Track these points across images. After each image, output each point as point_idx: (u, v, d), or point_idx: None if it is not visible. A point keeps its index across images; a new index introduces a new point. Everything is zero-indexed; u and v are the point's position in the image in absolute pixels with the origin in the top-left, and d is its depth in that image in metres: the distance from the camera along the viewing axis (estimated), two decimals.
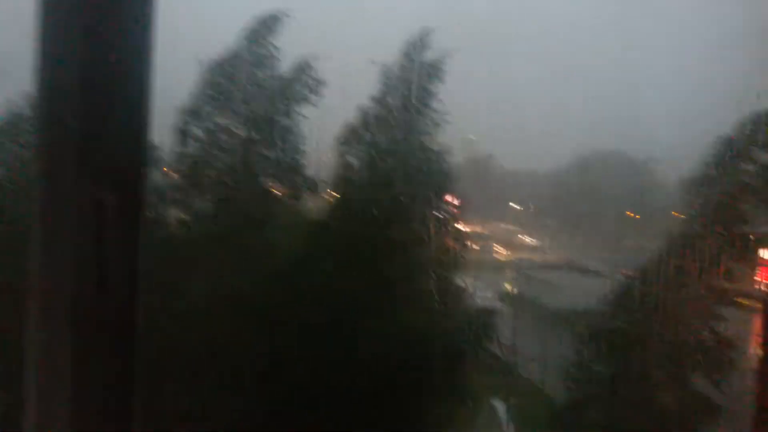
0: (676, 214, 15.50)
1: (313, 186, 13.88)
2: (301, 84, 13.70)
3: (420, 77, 13.64)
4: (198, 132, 13.51)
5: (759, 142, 12.93)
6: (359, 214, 13.24)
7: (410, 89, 13.60)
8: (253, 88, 13.63)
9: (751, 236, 13.45)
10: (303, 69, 13.73)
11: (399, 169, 13.46)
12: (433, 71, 13.76)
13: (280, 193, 13.99)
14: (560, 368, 14.17)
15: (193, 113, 13.42)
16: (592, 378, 13.58)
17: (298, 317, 11.97)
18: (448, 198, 14.44)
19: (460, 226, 15.03)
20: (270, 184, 13.91)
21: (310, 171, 14.04)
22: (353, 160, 14.09)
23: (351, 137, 13.86)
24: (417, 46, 13.79)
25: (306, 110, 13.79)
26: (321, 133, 14.35)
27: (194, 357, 11.56)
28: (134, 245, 1.80)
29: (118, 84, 1.76)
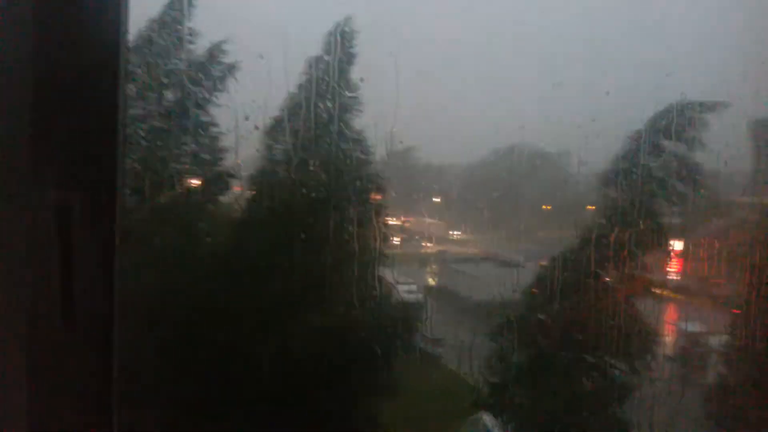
0: (590, 207, 15.99)
1: (230, 180, 13.34)
2: (215, 70, 13.11)
3: (340, 68, 13.34)
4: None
5: (668, 134, 13.44)
6: (279, 209, 12.85)
7: (331, 80, 13.27)
8: (166, 76, 12.95)
9: (661, 228, 13.99)
10: (215, 54, 13.13)
11: (321, 161, 13.12)
12: (352, 61, 13.50)
13: (196, 188, 13.38)
14: (482, 359, 14.39)
15: None
16: (510, 366, 13.85)
17: (215, 317, 11.54)
18: (371, 191, 14.27)
19: (382, 220, 14.92)
20: (185, 178, 13.27)
21: (228, 164, 13.49)
22: (273, 153, 13.65)
23: (270, 128, 13.41)
24: (338, 34, 13.48)
25: (222, 98, 13.23)
26: (239, 123, 13.79)
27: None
28: (107, 255, 1.46)
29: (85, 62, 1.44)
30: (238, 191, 13.82)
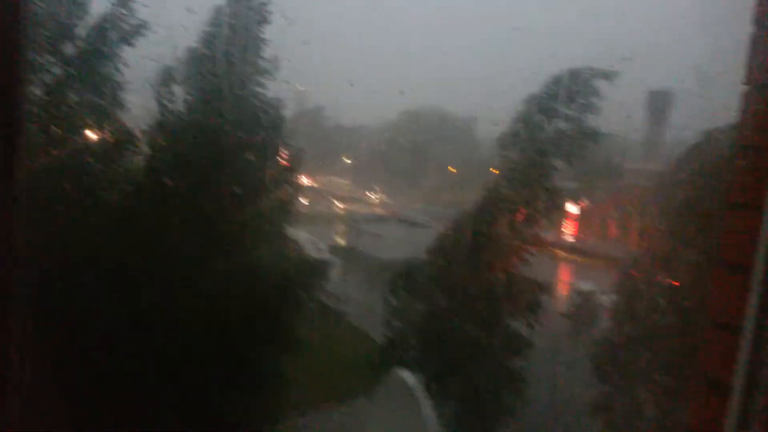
0: (493, 170, 16.44)
1: (133, 135, 12.65)
2: (118, 23, 12.29)
3: (248, 21, 12.84)
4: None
5: (562, 99, 13.92)
6: (183, 165, 12.38)
7: (238, 34, 12.76)
8: (68, 28, 12.00)
9: (556, 190, 14.52)
10: (120, 7, 12.32)
11: (226, 116, 12.68)
12: (261, 15, 13.03)
13: (98, 142, 12.63)
14: (385, 315, 14.69)
15: None
16: (409, 321, 14.22)
17: (123, 273, 11.14)
18: (280, 149, 14.01)
19: (291, 178, 14.72)
20: (86, 132, 12.49)
21: (131, 118, 12.77)
22: (177, 107, 13.04)
23: (171, 80, 12.79)
24: None
25: (126, 52, 12.45)
26: (144, 77, 13.06)
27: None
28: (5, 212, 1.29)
29: None
30: (145, 145, 13.20)
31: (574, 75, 13.85)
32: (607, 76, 13.71)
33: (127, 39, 12.34)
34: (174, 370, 11.30)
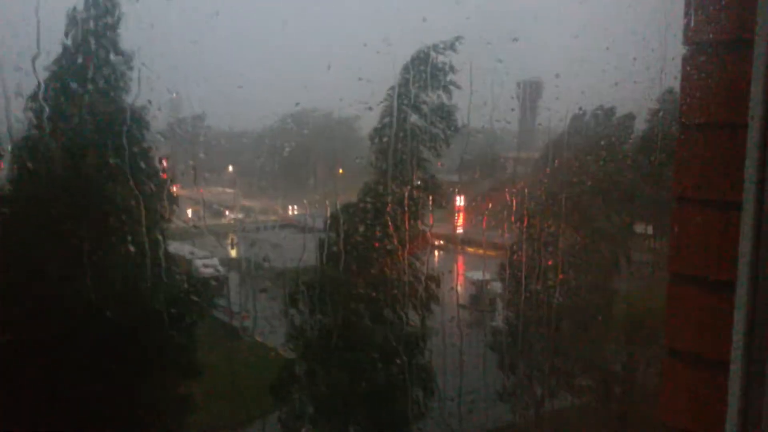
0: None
1: None
2: None
3: (103, 18, 11.88)
4: None
5: (416, 84, 13.92)
6: (47, 182, 11.32)
7: (97, 39, 11.78)
8: None
9: (430, 182, 14.49)
10: None
11: (90, 129, 11.67)
12: (115, 19, 12.10)
13: None
14: (284, 328, 14.26)
15: None
16: (307, 329, 13.85)
17: None
18: (155, 161, 13.16)
19: (171, 191, 13.91)
20: None
21: None
22: (39, 121, 11.90)
23: (38, 95, 11.63)
24: None
25: None
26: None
27: None
28: None
29: None
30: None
31: (422, 57, 13.82)
32: (452, 45, 13.75)
33: None
34: (66, 402, 10.40)
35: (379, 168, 14.30)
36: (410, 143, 14.11)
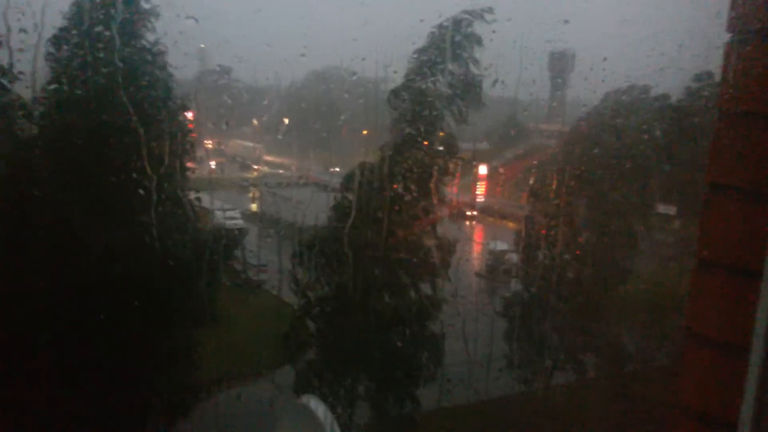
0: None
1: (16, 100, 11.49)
2: None
3: None
4: None
5: (446, 51, 13.64)
6: (73, 132, 11.41)
7: None
8: None
9: (451, 145, 14.28)
10: None
11: (116, 76, 11.63)
12: None
13: None
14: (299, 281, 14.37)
15: None
16: (319, 287, 13.93)
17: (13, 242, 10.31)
18: (183, 112, 13.18)
19: (197, 143, 13.98)
20: None
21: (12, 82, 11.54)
22: (62, 66, 11.90)
23: (58, 39, 11.63)
24: None
25: None
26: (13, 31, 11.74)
27: None
28: None
29: None
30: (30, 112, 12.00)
31: (455, 23, 13.53)
32: (482, 15, 13.45)
33: None
34: (84, 349, 10.68)
35: (398, 130, 14.13)
36: (428, 107, 13.89)
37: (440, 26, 13.53)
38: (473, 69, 13.77)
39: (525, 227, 16.87)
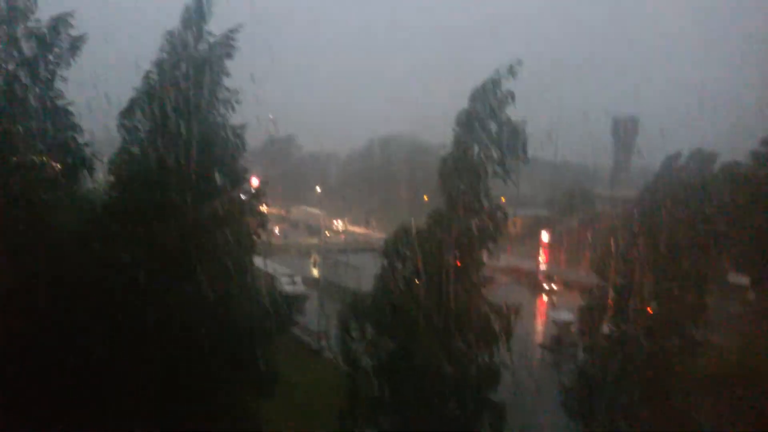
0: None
1: (89, 163, 12.08)
2: (59, 43, 11.71)
3: (208, 50, 12.34)
4: None
5: (490, 111, 13.53)
6: (144, 196, 11.89)
7: (196, 61, 12.23)
8: (6, 46, 11.43)
9: (499, 210, 14.03)
10: (61, 26, 11.76)
11: (189, 146, 12.14)
12: (222, 46, 12.54)
13: (53, 171, 12.07)
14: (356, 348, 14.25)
15: None
16: (378, 353, 13.71)
17: (77, 310, 10.68)
18: (248, 178, 13.59)
19: (261, 208, 14.32)
20: (39, 160, 11.91)
21: (85, 145, 12.21)
22: (136, 135, 12.51)
23: (133, 110, 12.28)
24: (198, 13, 12.40)
25: (69, 73, 11.90)
26: (94, 101, 12.50)
27: None
28: None
29: None
30: (103, 175, 12.65)
31: (494, 83, 13.45)
32: (511, 69, 13.35)
33: (65, 55, 11.83)
34: (149, 409, 10.84)
35: (448, 195, 14.09)
36: (476, 172, 13.82)
37: (482, 87, 13.62)
38: (518, 128, 13.72)
39: (591, 297, 16.36)
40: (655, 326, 14.78)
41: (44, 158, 11.94)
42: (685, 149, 17.43)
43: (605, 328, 15.31)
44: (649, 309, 15.24)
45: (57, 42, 11.77)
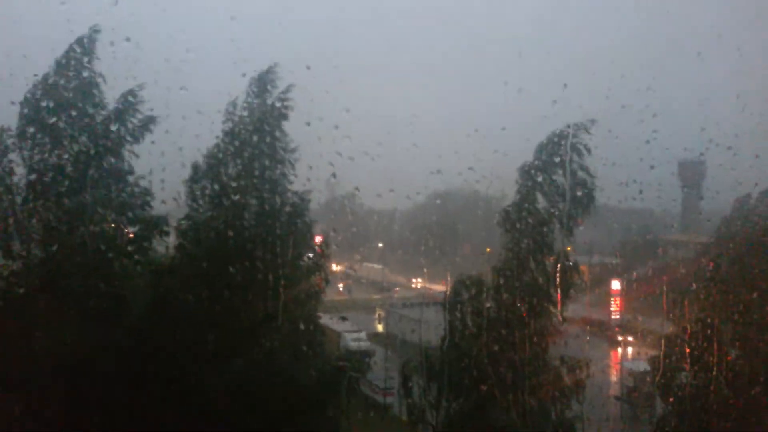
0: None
1: (162, 225, 12.72)
2: (128, 117, 12.57)
3: (269, 114, 13.00)
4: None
5: (555, 162, 13.46)
6: (209, 258, 12.37)
7: (258, 126, 12.89)
8: (76, 121, 12.37)
9: (566, 260, 13.78)
10: (130, 101, 12.63)
11: (253, 208, 12.67)
12: (281, 109, 13.15)
13: (126, 235, 12.77)
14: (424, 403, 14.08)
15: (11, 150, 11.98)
16: (446, 410, 13.51)
17: (148, 375, 11.05)
18: (312, 237, 13.95)
19: (326, 266, 14.61)
20: (113, 225, 12.61)
21: (155, 210, 12.89)
22: (202, 201, 13.13)
23: (198, 176, 12.94)
24: (262, 81, 13.15)
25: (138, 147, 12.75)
26: (163, 169, 13.25)
27: None
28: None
29: None
30: (172, 238, 13.25)
31: (559, 136, 13.44)
32: (586, 127, 13.31)
33: (135, 134, 12.60)
34: None
35: (512, 246, 14.00)
36: (538, 224, 13.73)
37: (548, 140, 13.66)
38: (585, 179, 13.61)
39: (666, 345, 15.73)
40: (737, 374, 14.05)
41: (119, 226, 12.69)
42: (755, 191, 16.83)
43: (682, 378, 14.66)
44: (728, 357, 14.54)
45: (130, 117, 12.66)
